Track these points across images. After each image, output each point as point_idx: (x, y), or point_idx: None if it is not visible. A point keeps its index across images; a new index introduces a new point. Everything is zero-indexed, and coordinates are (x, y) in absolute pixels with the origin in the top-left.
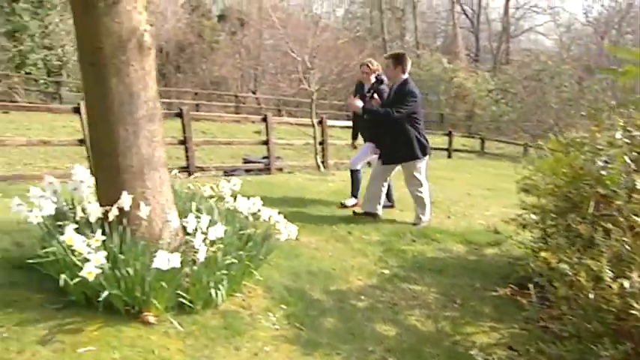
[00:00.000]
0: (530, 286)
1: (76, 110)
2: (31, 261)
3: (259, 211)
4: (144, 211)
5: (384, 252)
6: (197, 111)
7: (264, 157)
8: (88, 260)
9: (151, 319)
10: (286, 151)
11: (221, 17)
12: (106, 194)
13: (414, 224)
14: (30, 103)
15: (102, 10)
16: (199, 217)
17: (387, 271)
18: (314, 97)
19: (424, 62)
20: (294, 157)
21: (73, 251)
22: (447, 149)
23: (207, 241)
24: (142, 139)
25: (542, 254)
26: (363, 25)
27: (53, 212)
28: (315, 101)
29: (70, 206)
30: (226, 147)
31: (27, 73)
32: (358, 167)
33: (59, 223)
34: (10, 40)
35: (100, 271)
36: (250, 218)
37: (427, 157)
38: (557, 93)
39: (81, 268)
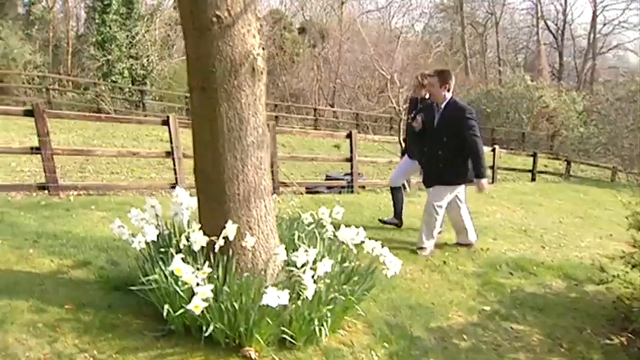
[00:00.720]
0: None
1: (165, 122)
2: (133, 288)
3: (363, 242)
4: (250, 242)
5: (481, 285)
6: (276, 122)
7: (346, 174)
8: (193, 291)
9: (252, 354)
10: (365, 168)
11: (302, 30)
12: (210, 221)
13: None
14: (115, 110)
15: (215, 32)
16: (307, 251)
17: (487, 308)
18: (402, 115)
19: (506, 79)
20: (372, 174)
21: (176, 281)
22: (530, 171)
23: (316, 276)
24: (249, 166)
25: None
26: (443, 40)
27: (156, 239)
28: (403, 120)
29: (169, 230)
30: (306, 161)
31: (113, 82)
32: (399, 184)
33: (161, 249)
34: (100, 49)
35: (207, 304)
36: (353, 249)
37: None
38: None
39: (183, 298)
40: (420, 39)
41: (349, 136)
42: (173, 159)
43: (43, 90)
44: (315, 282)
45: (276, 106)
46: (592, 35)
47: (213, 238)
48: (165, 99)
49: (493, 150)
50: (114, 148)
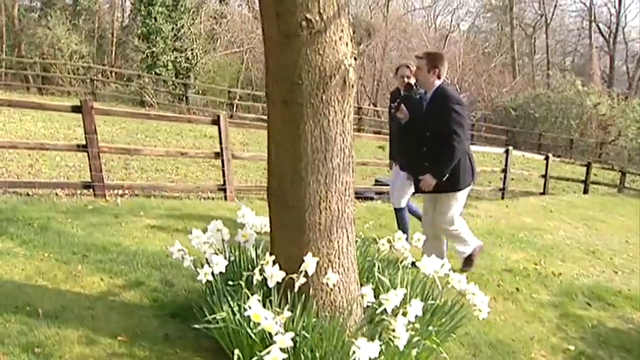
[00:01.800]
0: None
1: (214, 122)
2: (197, 326)
3: (447, 275)
4: (332, 279)
5: (559, 318)
6: None
7: None
8: (265, 332)
9: None
10: None
11: None
12: (284, 252)
13: (463, 270)
14: (158, 103)
15: (304, 39)
16: (395, 291)
17: (571, 347)
18: None
19: (555, 83)
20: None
21: (248, 321)
22: (583, 182)
23: (407, 322)
24: (334, 192)
25: None
26: (490, 40)
27: (224, 270)
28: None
29: (234, 255)
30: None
31: (157, 74)
32: (403, 205)
33: (229, 281)
34: (144, 41)
35: (286, 355)
36: (439, 285)
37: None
38: None
39: (256, 342)
40: (465, 38)
41: None
42: (222, 160)
43: (87, 81)
44: (406, 329)
45: None
46: None
47: (293, 275)
48: (208, 93)
49: (546, 158)
50: (159, 143)
